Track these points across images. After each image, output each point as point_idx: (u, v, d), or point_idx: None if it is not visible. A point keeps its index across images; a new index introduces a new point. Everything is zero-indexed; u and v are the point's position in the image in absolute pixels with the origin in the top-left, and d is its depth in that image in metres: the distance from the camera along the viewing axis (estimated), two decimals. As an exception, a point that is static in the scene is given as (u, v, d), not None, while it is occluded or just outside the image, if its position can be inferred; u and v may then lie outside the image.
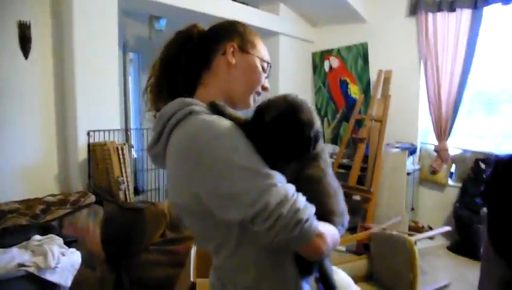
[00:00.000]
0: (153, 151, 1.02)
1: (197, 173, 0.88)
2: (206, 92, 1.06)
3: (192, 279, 1.78)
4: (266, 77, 1.12)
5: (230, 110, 0.97)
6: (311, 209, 0.88)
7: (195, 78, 1.09)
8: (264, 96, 1.03)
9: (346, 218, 1.03)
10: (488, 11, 4.12)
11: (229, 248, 0.95)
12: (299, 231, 0.84)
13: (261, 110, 0.90)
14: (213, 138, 0.87)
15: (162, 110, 0.99)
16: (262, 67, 1.10)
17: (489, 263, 2.02)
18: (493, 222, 1.20)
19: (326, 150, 1.04)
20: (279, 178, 0.87)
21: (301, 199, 0.87)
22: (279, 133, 0.88)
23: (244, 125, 0.92)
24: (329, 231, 0.92)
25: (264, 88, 1.12)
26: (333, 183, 1.02)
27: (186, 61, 1.08)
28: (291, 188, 0.87)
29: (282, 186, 0.86)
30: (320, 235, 0.88)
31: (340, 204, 1.02)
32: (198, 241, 1.07)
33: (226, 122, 0.90)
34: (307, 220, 0.85)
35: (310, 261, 0.98)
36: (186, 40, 1.10)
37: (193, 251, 2.06)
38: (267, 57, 1.12)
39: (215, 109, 0.95)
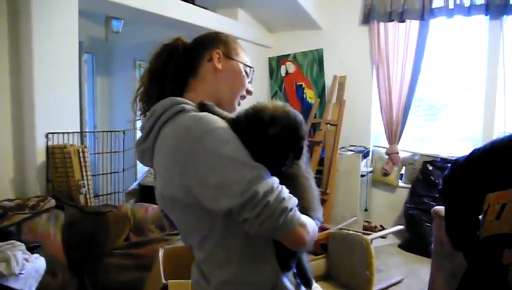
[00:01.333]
0: (142, 148, 1.06)
1: (188, 165, 0.93)
2: (195, 95, 1.11)
3: (163, 280, 1.79)
4: (249, 82, 1.20)
5: (218, 109, 1.03)
6: (294, 200, 0.95)
7: (182, 85, 1.14)
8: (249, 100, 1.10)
9: (321, 213, 1.11)
10: (434, 23, 4.40)
11: (213, 240, 1.00)
12: (283, 220, 0.90)
13: (259, 119, 0.95)
14: (204, 132, 0.92)
15: (153, 108, 1.04)
16: (246, 72, 1.18)
17: (440, 257, 2.17)
18: (451, 218, 1.30)
19: (307, 153, 1.11)
20: (265, 170, 0.93)
21: (285, 190, 0.94)
22: (280, 145, 0.95)
23: (232, 124, 0.98)
24: (309, 222, 0.99)
25: (248, 92, 1.20)
26: (310, 181, 1.10)
27: (174, 70, 1.14)
28: (276, 180, 0.94)
29: (269, 177, 0.92)
30: (302, 225, 0.95)
31: (316, 200, 1.10)
32: (183, 235, 1.11)
33: (215, 118, 0.97)
34: (291, 209, 0.92)
35: (289, 257, 1.04)
36: (173, 50, 1.16)
37: (161, 253, 2.07)
38: (249, 63, 1.20)
39: (204, 108, 1.01)
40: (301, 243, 0.96)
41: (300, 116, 1.00)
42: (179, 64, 1.14)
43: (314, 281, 2.30)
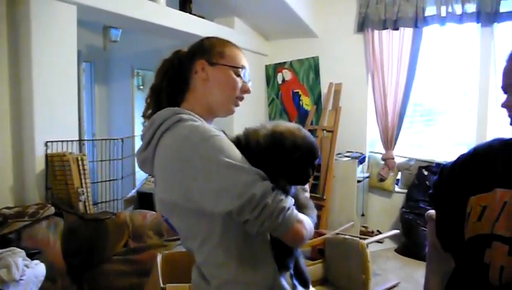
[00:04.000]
0: (142, 156, 1.11)
1: (188, 172, 0.98)
2: (188, 106, 1.15)
3: (162, 285, 1.82)
4: (246, 80, 1.20)
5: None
6: (291, 200, 1.00)
7: (178, 97, 1.18)
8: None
9: (315, 212, 1.16)
10: (427, 30, 4.48)
11: (212, 242, 1.04)
12: (282, 218, 0.96)
13: (282, 146, 1.04)
14: (201, 141, 0.98)
15: (152, 118, 1.09)
16: (237, 73, 1.18)
17: (433, 261, 2.21)
18: (440, 221, 1.34)
19: None
20: (262, 174, 0.98)
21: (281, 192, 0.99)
22: (303, 166, 1.05)
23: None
24: (306, 219, 1.05)
25: (245, 91, 1.20)
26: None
27: (167, 85, 1.19)
28: (271, 183, 0.99)
29: (265, 181, 0.98)
30: (300, 222, 1.01)
31: (310, 200, 1.17)
32: (183, 239, 1.15)
33: (211, 127, 1.03)
34: (289, 208, 0.98)
35: (287, 257, 1.09)
36: (169, 66, 1.21)
37: (159, 258, 2.10)
38: (240, 62, 1.19)
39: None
40: (300, 239, 1.01)
41: (313, 138, 1.10)
42: (173, 80, 1.19)
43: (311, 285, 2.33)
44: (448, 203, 1.25)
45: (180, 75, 1.18)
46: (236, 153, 0.99)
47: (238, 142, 1.05)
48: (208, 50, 1.17)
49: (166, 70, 1.20)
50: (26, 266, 1.98)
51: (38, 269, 2.04)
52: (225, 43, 1.21)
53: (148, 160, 1.09)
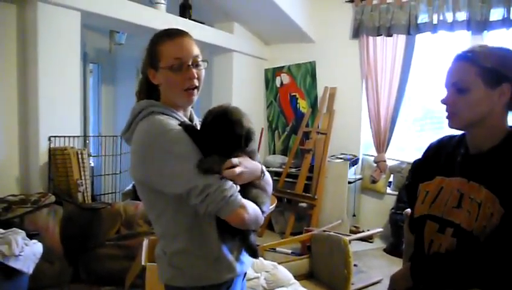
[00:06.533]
0: (125, 136, 1.34)
1: (148, 158, 1.20)
2: (164, 100, 1.33)
3: (143, 263, 2.03)
4: (192, 66, 1.27)
5: (194, 129, 1.27)
6: (235, 188, 1.18)
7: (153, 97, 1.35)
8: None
9: (269, 204, 1.35)
10: (419, 38, 4.63)
11: (167, 217, 1.26)
12: (225, 203, 1.15)
13: (204, 117, 1.23)
14: (160, 133, 1.19)
15: (133, 107, 1.31)
16: (177, 67, 1.25)
17: (407, 253, 2.39)
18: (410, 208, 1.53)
19: (257, 153, 1.37)
20: (207, 166, 1.17)
21: (228, 182, 1.17)
22: (216, 131, 1.20)
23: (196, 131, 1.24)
24: (251, 206, 1.23)
25: (190, 78, 1.27)
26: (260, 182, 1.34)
27: (145, 90, 1.37)
28: (216, 177, 1.16)
29: (210, 175, 1.16)
30: (243, 207, 1.19)
31: (263, 193, 1.33)
32: (146, 210, 1.37)
33: (172, 122, 1.22)
34: (231, 195, 1.16)
35: (234, 234, 1.28)
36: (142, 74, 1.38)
37: (145, 242, 2.31)
38: (176, 55, 1.25)
39: (186, 129, 1.23)
40: (242, 221, 1.19)
41: (234, 107, 1.26)
42: (147, 84, 1.36)
43: (293, 278, 2.56)
44: (412, 191, 1.45)
45: (149, 84, 1.35)
46: (188, 145, 1.18)
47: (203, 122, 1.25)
48: (151, 57, 1.30)
49: (144, 70, 1.36)
50: (26, 244, 2.21)
51: (36, 247, 2.28)
52: (160, 41, 1.29)
53: (129, 140, 1.31)
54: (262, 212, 1.29)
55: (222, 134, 1.20)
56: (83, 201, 3.04)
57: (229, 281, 1.28)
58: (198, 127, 1.30)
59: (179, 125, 1.22)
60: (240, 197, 1.19)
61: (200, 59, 1.30)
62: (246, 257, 1.35)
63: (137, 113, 1.28)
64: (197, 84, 1.29)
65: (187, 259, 1.25)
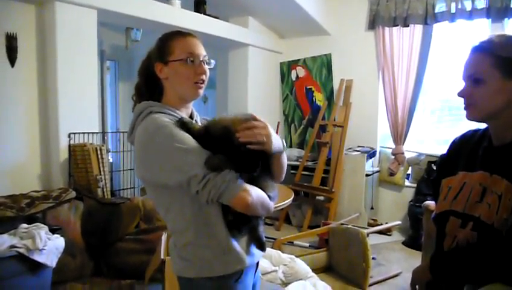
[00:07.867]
0: (130, 140, 1.37)
1: (148, 157, 1.24)
2: (166, 99, 1.37)
3: (162, 257, 2.07)
4: (198, 64, 1.32)
5: (193, 125, 1.30)
6: (235, 174, 1.20)
7: (156, 93, 1.39)
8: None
9: (276, 191, 1.36)
10: (437, 27, 4.55)
11: (174, 211, 1.28)
12: (226, 187, 1.17)
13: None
14: (155, 130, 1.22)
15: (134, 109, 1.36)
16: (190, 60, 1.31)
17: (429, 249, 2.37)
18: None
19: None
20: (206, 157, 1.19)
21: (230, 171, 1.19)
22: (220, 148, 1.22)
23: (200, 134, 1.26)
24: (256, 190, 1.24)
25: (199, 73, 1.32)
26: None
27: (146, 84, 1.39)
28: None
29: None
30: (245, 190, 1.21)
31: (270, 182, 1.35)
32: (155, 207, 1.39)
33: (166, 118, 1.25)
34: (232, 180, 1.18)
35: (241, 224, 1.29)
36: (145, 68, 1.40)
37: (164, 236, 2.35)
38: (188, 50, 1.31)
39: (182, 125, 1.27)
40: (245, 205, 1.20)
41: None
42: (149, 78, 1.38)
43: (311, 271, 2.56)
44: (436, 187, 1.44)
45: (153, 78, 1.38)
46: (185, 138, 1.21)
47: (205, 129, 1.27)
48: (160, 51, 1.34)
49: (143, 71, 1.41)
50: (48, 238, 2.28)
51: (58, 241, 2.35)
52: (173, 37, 1.35)
53: (134, 143, 1.34)
54: (270, 197, 1.30)
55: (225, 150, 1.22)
56: (103, 196, 3.10)
57: (239, 272, 1.30)
58: (200, 123, 1.37)
59: (177, 121, 1.26)
60: (241, 181, 1.21)
61: (207, 59, 1.37)
62: (256, 249, 1.37)
63: (137, 115, 1.32)
64: (205, 79, 1.35)
65: (195, 251, 1.27)
